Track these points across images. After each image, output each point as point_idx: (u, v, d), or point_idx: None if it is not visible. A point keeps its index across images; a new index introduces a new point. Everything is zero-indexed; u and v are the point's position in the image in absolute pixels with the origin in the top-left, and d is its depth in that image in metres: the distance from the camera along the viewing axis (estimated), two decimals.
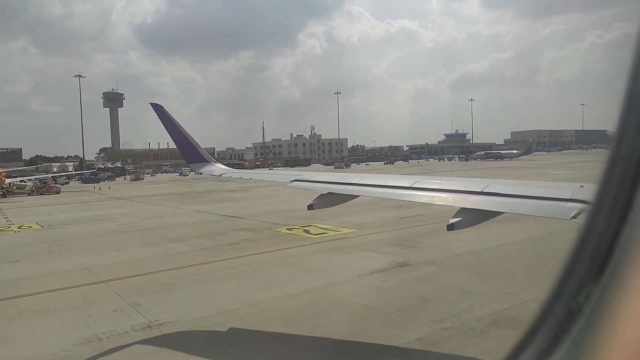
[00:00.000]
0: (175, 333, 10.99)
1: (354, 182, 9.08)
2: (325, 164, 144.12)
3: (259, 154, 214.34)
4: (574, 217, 5.08)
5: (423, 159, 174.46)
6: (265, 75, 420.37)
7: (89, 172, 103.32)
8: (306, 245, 21.05)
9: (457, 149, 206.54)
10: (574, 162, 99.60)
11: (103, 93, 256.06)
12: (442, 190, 7.50)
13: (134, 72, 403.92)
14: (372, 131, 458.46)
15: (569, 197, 5.49)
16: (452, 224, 6.29)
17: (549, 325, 1.64)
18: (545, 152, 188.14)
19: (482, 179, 7.57)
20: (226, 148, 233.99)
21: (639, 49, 1.45)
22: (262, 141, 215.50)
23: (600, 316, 1.41)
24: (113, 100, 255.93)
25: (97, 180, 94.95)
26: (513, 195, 6.39)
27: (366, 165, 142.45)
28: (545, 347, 1.60)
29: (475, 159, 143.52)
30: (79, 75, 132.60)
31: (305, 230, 24.83)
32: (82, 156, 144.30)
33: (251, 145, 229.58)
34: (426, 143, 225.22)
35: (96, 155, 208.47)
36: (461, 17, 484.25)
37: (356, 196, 8.87)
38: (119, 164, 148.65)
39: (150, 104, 12.97)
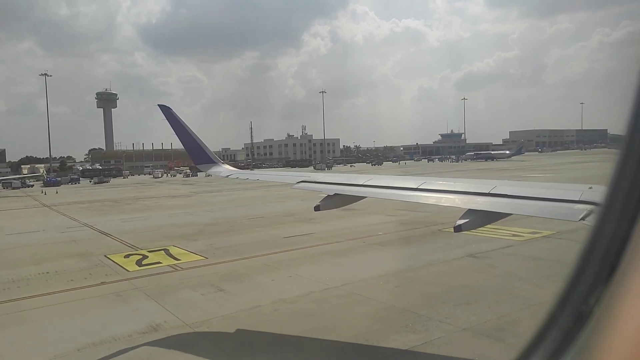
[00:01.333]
0: None
1: (361, 183, 8.92)
2: (301, 166, 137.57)
3: (249, 155, 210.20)
4: (583, 218, 4.91)
5: (414, 159, 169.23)
6: (270, 75, 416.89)
7: (53, 175, 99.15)
8: (84, 288, 15.92)
9: (452, 149, 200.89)
10: (563, 163, 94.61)
11: (96, 93, 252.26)
12: (449, 192, 7.30)
13: (140, 72, 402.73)
14: (376, 131, 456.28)
15: (578, 199, 5.36)
16: (460, 225, 6.19)
17: (558, 328, 1.61)
18: (537, 153, 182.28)
19: (489, 180, 7.36)
20: (222, 148, 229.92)
21: None
22: (259, 140, 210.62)
23: (611, 319, 1.38)
24: (106, 100, 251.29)
25: (59, 184, 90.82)
26: (520, 197, 6.27)
27: (350, 166, 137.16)
28: (554, 349, 1.58)
29: (466, 160, 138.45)
30: (45, 74, 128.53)
31: (140, 259, 19.83)
32: (55, 157, 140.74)
33: (244, 146, 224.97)
34: (417, 143, 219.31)
35: (85, 156, 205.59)
36: (466, 16, 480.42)
37: (363, 197, 8.73)
38: (98, 166, 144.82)
39: (158, 105, 12.77)
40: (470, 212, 6.27)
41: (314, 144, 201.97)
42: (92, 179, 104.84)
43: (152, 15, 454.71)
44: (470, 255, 17.41)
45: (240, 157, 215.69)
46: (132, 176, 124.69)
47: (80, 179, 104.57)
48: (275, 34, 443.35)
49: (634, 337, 1.23)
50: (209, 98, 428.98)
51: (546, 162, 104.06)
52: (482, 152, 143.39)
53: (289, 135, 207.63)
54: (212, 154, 13.48)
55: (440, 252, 18.19)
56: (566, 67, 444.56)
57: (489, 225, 6.81)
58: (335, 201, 8.76)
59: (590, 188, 5.51)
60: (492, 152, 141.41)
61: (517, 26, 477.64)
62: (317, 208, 8.80)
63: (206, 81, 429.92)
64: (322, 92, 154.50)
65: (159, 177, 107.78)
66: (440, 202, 7.14)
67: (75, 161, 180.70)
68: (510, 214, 6.21)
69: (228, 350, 10.45)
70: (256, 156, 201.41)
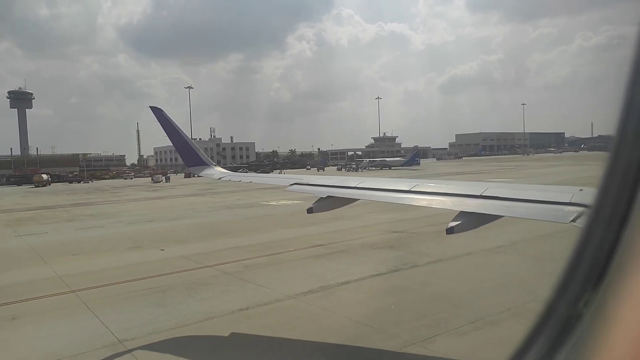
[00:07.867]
0: None
1: (353, 185, 8.92)
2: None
3: (159, 160, 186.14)
4: (573, 220, 4.90)
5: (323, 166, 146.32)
6: (255, 78, 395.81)
7: None
8: None
9: (384, 153, 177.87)
10: (445, 174, 72.63)
11: (8, 92, 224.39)
12: (440, 194, 7.32)
13: (123, 74, 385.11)
14: (362, 133, 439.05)
15: (568, 201, 5.37)
16: (452, 227, 6.11)
17: (548, 332, 1.59)
18: (435, 160, 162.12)
19: (481, 182, 7.46)
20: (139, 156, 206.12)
21: (638, 51, 1.39)
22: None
23: (600, 323, 1.37)
24: (20, 100, 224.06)
25: None
26: (511, 199, 6.29)
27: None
28: (544, 354, 1.57)
29: (365, 168, 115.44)
30: None
31: None
32: None
33: (154, 152, 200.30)
34: (319, 148, 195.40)
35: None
36: (449, 20, 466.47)
37: (355, 200, 8.76)
38: None
39: (150, 107, 12.74)
40: (462, 215, 6.24)
41: (224, 149, 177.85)
42: None
43: (134, 17, 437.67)
44: None
45: (151, 162, 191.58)
46: None
47: None
48: (260, 36, 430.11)
49: (624, 340, 1.22)
50: (194, 100, 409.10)
51: (433, 172, 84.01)
52: (377, 160, 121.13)
53: (194, 139, 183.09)
54: (204, 156, 13.36)
55: None
56: (548, 71, 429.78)
57: None
58: (328, 203, 8.73)
59: (581, 190, 5.51)
60: (387, 160, 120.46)
61: (500, 30, 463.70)
62: (310, 210, 8.72)
63: (191, 83, 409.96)
64: (189, 87, 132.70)
65: None
66: (431, 204, 7.15)
67: None
68: (502, 216, 6.18)
69: None
70: (163, 162, 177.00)
